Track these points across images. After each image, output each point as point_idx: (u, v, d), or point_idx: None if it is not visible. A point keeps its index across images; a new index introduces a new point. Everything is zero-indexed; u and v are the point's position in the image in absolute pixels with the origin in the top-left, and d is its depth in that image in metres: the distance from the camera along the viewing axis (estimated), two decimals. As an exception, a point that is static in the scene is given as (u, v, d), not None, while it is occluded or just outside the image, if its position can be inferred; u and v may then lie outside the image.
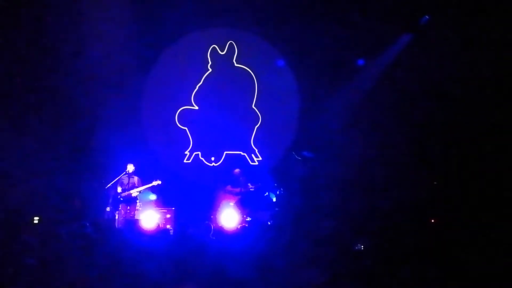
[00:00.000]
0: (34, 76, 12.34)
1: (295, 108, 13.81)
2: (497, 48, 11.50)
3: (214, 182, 13.30)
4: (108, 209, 12.38)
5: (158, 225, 11.77)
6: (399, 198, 10.59)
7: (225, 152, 13.99)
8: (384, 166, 12.44)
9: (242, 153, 14.02)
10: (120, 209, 12.23)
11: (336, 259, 6.21)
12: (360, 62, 13.88)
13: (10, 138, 11.37)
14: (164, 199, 12.93)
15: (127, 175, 12.36)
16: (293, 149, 13.26)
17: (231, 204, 12.56)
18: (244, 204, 12.52)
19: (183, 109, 13.94)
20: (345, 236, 7.21)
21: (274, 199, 12.70)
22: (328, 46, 13.19)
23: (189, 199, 12.96)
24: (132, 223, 11.14)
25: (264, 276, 5.81)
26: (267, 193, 12.80)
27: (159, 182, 12.38)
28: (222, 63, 14.00)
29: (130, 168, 12.37)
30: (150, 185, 12.39)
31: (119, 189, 12.28)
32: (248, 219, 12.28)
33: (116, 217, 12.18)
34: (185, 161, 13.88)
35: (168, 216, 12.59)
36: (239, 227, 11.51)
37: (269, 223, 11.83)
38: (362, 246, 7.06)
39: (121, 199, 12.24)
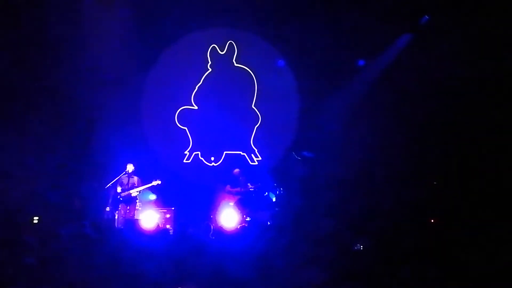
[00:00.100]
0: (34, 76, 12.33)
1: (295, 108, 13.81)
2: (497, 48, 11.50)
3: (213, 182, 13.31)
4: (107, 209, 12.38)
5: (158, 225, 11.75)
6: (399, 198, 10.60)
7: (224, 152, 13.99)
8: (384, 166, 12.44)
9: (241, 153, 14.03)
10: (120, 209, 12.22)
11: (336, 259, 6.20)
12: (360, 62, 13.89)
13: (10, 138, 11.36)
14: (163, 199, 12.92)
15: (126, 175, 12.36)
16: (293, 149, 13.28)
17: (231, 204, 12.56)
18: (243, 204, 12.52)
19: (182, 109, 13.94)
20: (345, 236, 7.21)
21: (274, 199, 12.71)
22: (328, 46, 13.20)
23: (189, 199, 12.96)
24: (131, 223, 11.12)
25: (264, 276, 5.80)
26: (266, 193, 12.80)
27: (159, 182, 12.37)
28: (222, 63, 14.00)
29: (130, 168, 12.37)
30: (149, 185, 12.38)
31: (119, 189, 12.27)
32: (248, 219, 12.28)
33: (116, 217, 12.18)
34: (184, 161, 13.88)
35: (168, 216, 12.60)
36: (238, 227, 11.51)
37: (268, 223, 11.82)
38: (362, 246, 7.06)
39: (121, 199, 12.24)
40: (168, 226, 12.27)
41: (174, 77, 13.94)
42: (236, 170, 13.13)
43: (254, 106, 14.07)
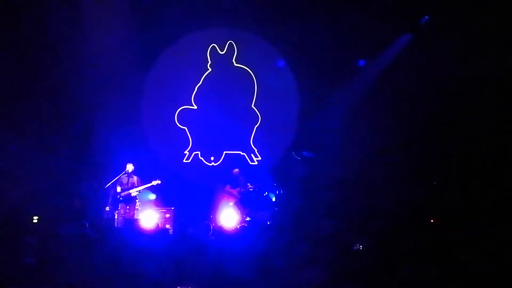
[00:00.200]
0: (34, 76, 12.33)
1: (295, 108, 13.80)
2: (497, 48, 11.50)
3: (213, 182, 13.29)
4: (107, 208, 12.36)
5: (158, 224, 11.76)
6: (399, 198, 10.60)
7: (224, 152, 13.98)
8: (384, 166, 12.44)
9: (241, 153, 14.02)
10: (120, 209, 12.21)
11: (336, 259, 6.20)
12: (360, 62, 13.89)
13: (10, 138, 11.36)
14: (163, 199, 12.91)
15: (126, 174, 12.35)
16: (292, 149, 13.27)
17: (231, 204, 12.56)
18: (243, 204, 12.52)
19: (182, 108, 13.94)
20: (345, 236, 7.21)
21: (274, 199, 12.69)
22: (328, 46, 13.19)
23: (189, 199, 12.96)
24: (131, 222, 11.13)
25: (264, 275, 5.81)
26: (266, 193, 12.79)
27: (159, 181, 12.36)
28: (221, 62, 14.00)
29: (130, 167, 12.36)
30: (149, 184, 12.37)
31: (119, 189, 12.26)
32: (248, 219, 12.28)
33: (116, 217, 12.16)
34: (184, 160, 13.88)
35: (168, 215, 12.59)
36: (238, 227, 11.51)
37: (268, 223, 11.84)
38: (361, 246, 7.06)
39: (121, 198, 12.23)
40: (167, 226, 12.28)
41: (174, 77, 13.93)
42: (236, 170, 13.12)
43: (254, 106, 14.07)
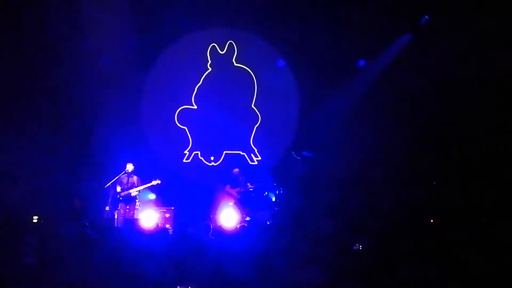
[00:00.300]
0: (34, 76, 12.33)
1: (295, 108, 13.80)
2: (497, 48, 11.49)
3: (213, 182, 13.29)
4: (107, 208, 12.36)
5: (158, 224, 11.76)
6: (399, 198, 10.59)
7: (224, 152, 13.98)
8: (384, 166, 12.43)
9: (241, 153, 14.02)
10: (120, 209, 12.21)
11: (336, 259, 6.20)
12: (360, 62, 13.89)
13: (10, 138, 11.36)
14: (163, 199, 12.90)
15: (126, 174, 12.35)
16: (292, 149, 13.26)
17: (231, 203, 12.55)
18: (243, 204, 12.53)
19: (182, 108, 13.94)
20: (345, 236, 7.21)
21: (274, 199, 12.69)
22: (328, 46, 13.18)
23: (189, 199, 12.96)
24: (131, 222, 11.14)
25: (264, 275, 5.81)
26: (266, 193, 12.79)
27: (159, 181, 12.35)
28: (221, 62, 13.99)
29: (130, 167, 12.35)
30: (149, 184, 12.36)
31: (119, 189, 12.26)
32: (248, 218, 12.27)
33: (116, 217, 12.16)
34: (184, 160, 13.87)
35: (168, 215, 12.59)
36: (238, 226, 11.51)
37: (268, 223, 11.83)
38: (361, 246, 7.07)
39: (121, 198, 12.22)
40: (167, 226, 12.27)
41: (174, 77, 13.94)
42: (236, 169, 13.12)
43: (254, 105, 14.07)
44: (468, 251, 6.24)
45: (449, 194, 11.02)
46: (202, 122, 13.94)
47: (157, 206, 12.69)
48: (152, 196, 12.73)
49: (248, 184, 12.84)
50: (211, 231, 10.02)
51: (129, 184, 12.33)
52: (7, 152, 11.26)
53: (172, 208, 12.71)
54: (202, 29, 13.71)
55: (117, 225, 11.80)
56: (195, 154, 13.92)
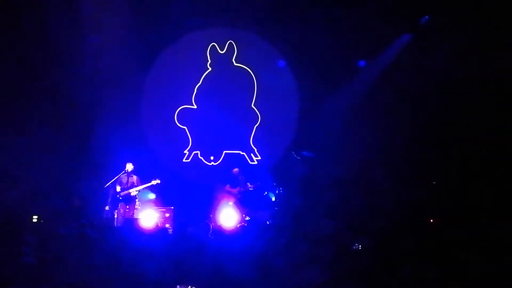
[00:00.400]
0: (34, 76, 12.32)
1: (295, 108, 13.80)
2: (497, 48, 11.49)
3: (213, 182, 13.28)
4: (107, 208, 12.36)
5: (157, 224, 11.75)
6: (399, 198, 10.59)
7: (224, 152, 13.98)
8: (384, 166, 12.43)
9: (241, 153, 14.02)
10: (119, 208, 12.20)
11: (336, 259, 6.20)
12: (360, 62, 13.88)
13: (10, 138, 11.36)
14: (163, 198, 12.90)
15: (126, 174, 12.35)
16: (292, 149, 13.26)
17: (230, 203, 12.54)
18: (243, 204, 12.52)
19: (182, 108, 13.94)
20: (345, 236, 7.21)
21: (273, 199, 12.69)
22: (328, 46, 13.18)
23: (188, 198, 12.95)
24: (131, 222, 11.13)
25: (263, 275, 5.81)
26: (266, 193, 12.78)
27: (158, 181, 12.35)
28: (221, 62, 13.99)
29: (129, 167, 12.35)
30: (149, 184, 12.36)
31: (118, 188, 12.25)
32: (247, 218, 12.27)
33: (115, 216, 12.16)
34: (184, 160, 13.87)
35: (167, 215, 12.59)
36: (238, 226, 11.52)
37: (268, 223, 11.84)
38: (360, 246, 7.07)
39: (120, 198, 12.22)
40: (167, 226, 12.27)
41: (173, 77, 13.93)
42: (236, 169, 13.12)
43: (253, 105, 14.07)
44: (468, 251, 6.24)
45: (449, 194, 11.03)
46: (202, 122, 13.93)
47: (157, 206, 12.69)
48: (152, 195, 12.73)
49: (248, 183, 12.84)
50: (210, 231, 10.03)
51: (128, 184, 12.33)
52: (7, 152, 11.25)
53: (172, 207, 12.71)
54: (202, 29, 13.70)
55: (116, 224, 11.79)
56: (194, 153, 13.91)
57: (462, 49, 11.75)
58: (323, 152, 12.82)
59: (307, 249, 6.43)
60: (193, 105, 13.97)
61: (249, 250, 6.45)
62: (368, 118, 13.20)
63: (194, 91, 13.99)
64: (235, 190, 12.79)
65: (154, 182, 12.35)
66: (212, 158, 13.93)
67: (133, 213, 12.22)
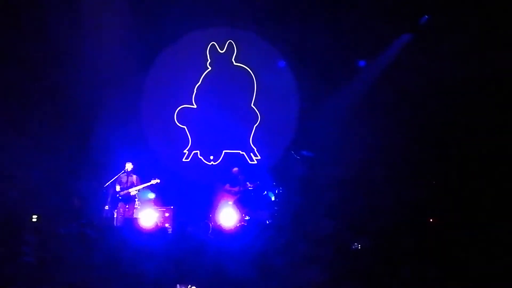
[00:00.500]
0: (34, 76, 12.32)
1: (294, 108, 13.80)
2: (497, 48, 11.49)
3: (213, 181, 13.29)
4: (106, 207, 12.36)
5: (157, 223, 11.76)
6: (399, 198, 10.59)
7: (224, 151, 13.98)
8: (384, 166, 12.43)
9: (241, 152, 14.01)
10: (119, 208, 12.20)
11: (336, 259, 6.20)
12: (360, 62, 13.88)
13: (10, 138, 11.36)
14: (162, 198, 12.91)
15: (125, 173, 12.34)
16: (292, 148, 13.26)
17: (230, 203, 12.54)
18: (242, 203, 12.51)
19: (182, 107, 13.94)
20: (345, 236, 7.21)
21: (273, 198, 12.69)
22: (328, 46, 13.18)
23: (188, 198, 12.96)
24: (130, 221, 11.13)
25: (263, 275, 5.80)
26: (266, 192, 12.78)
27: (158, 180, 12.35)
28: (221, 61, 13.99)
29: (129, 166, 12.34)
30: (148, 183, 12.35)
31: (118, 188, 12.25)
32: (247, 218, 12.27)
33: (115, 216, 12.15)
34: (184, 159, 13.87)
35: (167, 214, 12.59)
36: (237, 226, 11.52)
37: (267, 222, 11.84)
38: (359, 246, 7.07)
39: (120, 197, 12.21)
40: (167, 225, 12.27)
41: (173, 77, 13.93)
42: (235, 169, 13.12)
43: (253, 105, 14.06)
44: (468, 251, 6.24)
45: (449, 194, 11.03)
46: (201, 121, 13.93)
47: (157, 205, 12.69)
48: (152, 195, 12.73)
49: (248, 183, 12.83)
50: (210, 230, 10.04)
51: (128, 183, 12.33)
52: (7, 152, 11.25)
53: (172, 207, 12.71)
54: (202, 28, 13.70)
55: (116, 224, 11.79)
56: (194, 153, 13.91)
57: (462, 49, 11.75)
58: (323, 152, 12.81)
59: (307, 248, 6.42)
60: (192, 105, 13.97)
61: (248, 249, 6.45)
62: (368, 118, 13.20)
63: (194, 90, 13.99)
64: (234, 190, 12.79)
65: (153, 182, 12.34)
66: (211, 157, 13.93)
67: (133, 213, 12.21)
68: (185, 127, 13.93)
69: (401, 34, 13.47)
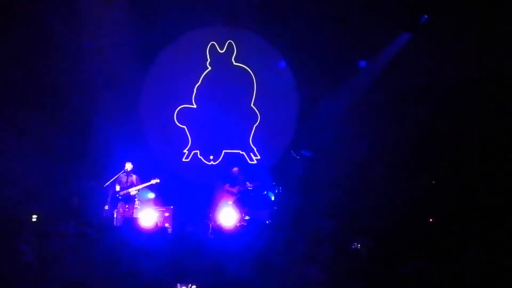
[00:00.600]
0: (33, 76, 12.32)
1: (294, 107, 13.80)
2: (497, 48, 11.49)
3: (212, 181, 13.29)
4: (106, 207, 12.35)
5: (157, 223, 11.75)
6: (399, 198, 10.60)
7: (223, 151, 13.97)
8: (384, 166, 12.43)
9: (240, 152, 14.01)
10: (119, 208, 12.20)
11: (336, 259, 6.20)
12: (360, 62, 13.88)
13: (10, 138, 11.36)
14: (162, 198, 12.89)
15: (125, 173, 12.34)
16: (292, 148, 13.27)
17: (230, 202, 12.54)
18: (242, 203, 12.52)
19: (182, 107, 13.93)
20: (344, 236, 7.20)
21: (273, 198, 12.69)
22: (327, 46, 13.18)
23: (188, 198, 12.95)
24: (130, 221, 11.13)
25: (263, 274, 5.79)
26: (265, 192, 12.78)
27: (158, 180, 12.35)
28: (221, 61, 13.98)
29: (129, 166, 12.34)
30: (148, 183, 12.36)
31: (118, 188, 12.25)
32: (247, 217, 12.27)
33: (115, 216, 12.15)
34: (183, 159, 13.86)
35: (167, 214, 12.57)
36: (237, 225, 11.52)
37: (267, 222, 11.84)
38: (359, 245, 7.06)
39: (120, 197, 12.22)
40: (166, 225, 12.26)
41: (173, 76, 13.92)
42: (235, 168, 13.12)
43: (253, 105, 14.06)
44: (467, 251, 6.23)
45: (449, 194, 11.03)
46: (201, 121, 13.93)
47: (156, 205, 12.67)
48: (151, 195, 12.73)
49: (247, 183, 12.84)
50: (210, 230, 10.03)
51: (128, 183, 12.33)
52: (7, 152, 11.25)
53: (171, 207, 12.69)
54: (202, 28, 13.70)
55: (116, 224, 11.79)
56: (194, 153, 13.90)
57: (462, 49, 11.75)
58: (323, 152, 12.82)
59: (307, 248, 6.42)
60: (192, 105, 13.97)
61: (248, 249, 6.45)
62: (368, 118, 13.20)
63: (193, 90, 13.98)
64: (234, 190, 12.79)
65: (153, 182, 12.35)
66: (211, 157, 13.92)
67: (133, 213, 12.21)
68: (185, 127, 13.93)
69: (401, 34, 13.47)
